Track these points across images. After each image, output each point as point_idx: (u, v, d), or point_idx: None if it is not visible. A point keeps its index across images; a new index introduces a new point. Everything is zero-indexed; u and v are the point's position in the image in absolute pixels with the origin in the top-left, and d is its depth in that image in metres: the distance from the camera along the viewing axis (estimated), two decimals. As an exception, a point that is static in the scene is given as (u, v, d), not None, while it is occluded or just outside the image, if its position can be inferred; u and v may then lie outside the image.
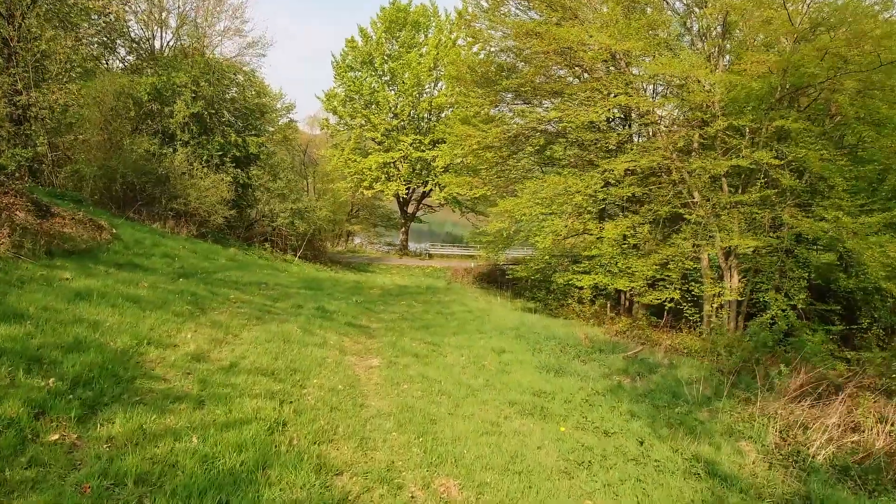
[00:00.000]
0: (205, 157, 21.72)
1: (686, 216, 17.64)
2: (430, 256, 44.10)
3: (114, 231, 13.41)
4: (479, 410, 7.47)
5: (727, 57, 20.72)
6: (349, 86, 40.68)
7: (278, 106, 46.69)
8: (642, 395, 10.24)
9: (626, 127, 21.62)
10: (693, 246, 17.77)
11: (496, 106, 22.65)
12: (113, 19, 20.06)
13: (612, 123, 22.19)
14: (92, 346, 5.76)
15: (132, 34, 26.13)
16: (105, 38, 23.50)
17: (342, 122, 42.30)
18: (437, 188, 40.47)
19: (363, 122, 40.55)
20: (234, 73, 23.75)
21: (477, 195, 23.02)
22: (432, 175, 40.38)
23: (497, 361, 11.30)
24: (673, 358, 14.87)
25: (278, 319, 10.22)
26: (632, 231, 17.91)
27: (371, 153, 40.50)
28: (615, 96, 18.24)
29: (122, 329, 6.63)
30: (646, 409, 9.07)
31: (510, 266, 33.75)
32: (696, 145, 18.97)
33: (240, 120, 23.23)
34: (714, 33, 20.54)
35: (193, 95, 21.94)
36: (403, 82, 39.29)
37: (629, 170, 18.54)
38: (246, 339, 8.10)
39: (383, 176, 39.70)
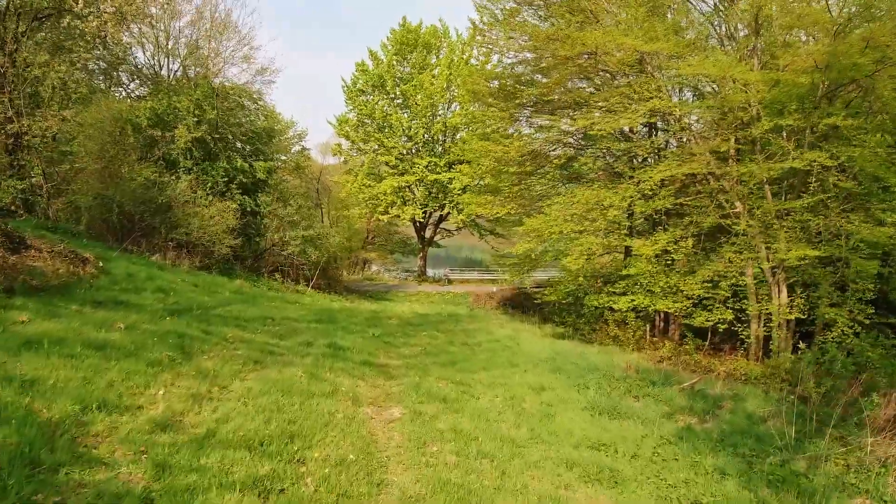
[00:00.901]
0: (209, 185, 20.48)
1: (732, 227, 15.90)
2: (450, 282, 42.49)
3: (100, 264, 12.03)
4: (531, 479, 5.80)
5: (760, 56, 19.17)
6: (361, 110, 39.68)
7: (290, 134, 45.97)
8: (719, 440, 8.48)
9: (654, 135, 20.04)
10: (743, 260, 16.01)
11: (516, 121, 21.21)
12: (111, 42, 19.07)
13: (637, 135, 20.64)
14: (13, 418, 4.24)
15: (136, 62, 25.28)
16: (105, 65, 22.60)
17: (355, 146, 41.25)
18: (455, 211, 39.06)
19: (376, 146, 39.44)
20: (240, 96, 22.64)
21: (499, 214, 21.46)
22: (449, 198, 39.01)
23: (538, 402, 9.63)
24: (733, 387, 13.05)
25: (281, 362, 8.67)
26: (674, 246, 16.17)
27: (385, 178, 39.30)
28: (648, 100, 16.70)
29: (67, 389, 5.11)
30: (733, 463, 7.31)
31: (536, 290, 32.04)
32: (732, 151, 17.30)
33: (246, 145, 22.04)
34: (742, 33, 19.06)
35: (196, 120, 20.82)
36: (416, 104, 38.19)
37: (664, 180, 16.91)
38: (236, 391, 6.55)
39: (399, 200, 38.38)
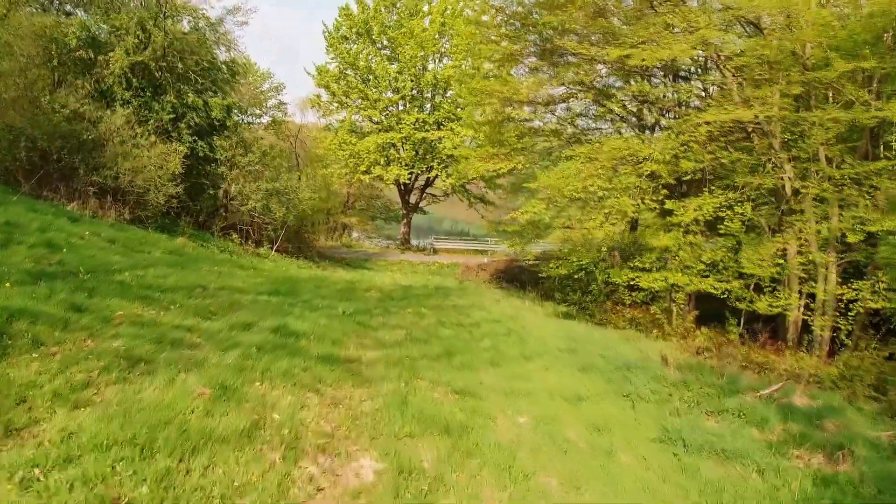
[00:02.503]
0: (152, 122, 16.73)
1: (801, 189, 12.70)
2: (436, 251, 39.10)
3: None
4: None
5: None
6: (343, 58, 35.67)
7: (266, 87, 41.86)
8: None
9: (688, 81, 16.62)
10: (805, 234, 12.87)
11: (526, 59, 17.58)
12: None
13: (667, 80, 17.20)
14: None
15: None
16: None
17: (336, 99, 37.25)
18: (444, 174, 35.58)
19: (359, 99, 35.58)
20: (195, 19, 18.73)
21: (503, 171, 17.95)
22: (437, 159, 35.45)
23: (584, 427, 6.44)
24: (814, 394, 9.98)
25: (182, 361, 5.32)
26: (728, 213, 12.92)
27: (368, 135, 35.60)
28: (695, 31, 13.28)
29: None
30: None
31: (539, 262, 28.80)
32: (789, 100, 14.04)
33: (201, 77, 18.25)
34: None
35: (140, 43, 16.95)
36: (405, 53, 34.30)
37: (710, 132, 13.61)
38: (35, 442, 3.18)
39: (382, 159, 34.69)
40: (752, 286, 13.28)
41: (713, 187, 14.01)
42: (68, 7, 18.76)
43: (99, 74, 16.82)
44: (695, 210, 12.64)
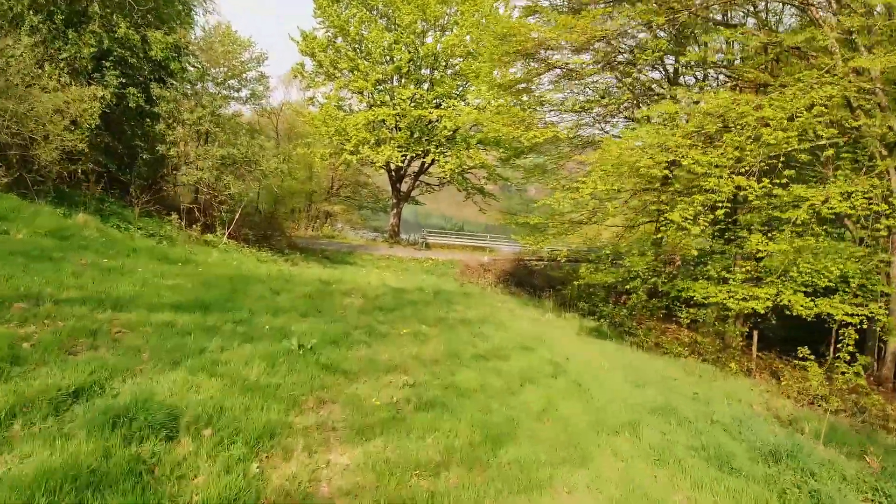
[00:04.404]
0: (62, 59, 12.30)
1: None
2: (428, 246, 34.80)
3: None
4: None
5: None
6: (333, 21, 31.19)
7: (246, 57, 37.06)
8: None
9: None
10: None
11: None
12: None
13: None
14: None
15: None
16: None
17: (322, 70, 32.72)
18: (442, 158, 31.29)
19: (350, 70, 31.12)
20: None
21: (538, 139, 13.51)
22: (435, 142, 31.16)
23: None
24: None
25: None
26: (881, 205, 8.79)
27: (358, 112, 31.29)
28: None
29: None
30: None
31: (548, 263, 24.62)
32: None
33: (140, 4, 13.76)
34: None
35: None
36: (403, 18, 29.91)
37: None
38: None
39: (373, 138, 30.24)
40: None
41: (838, 172, 9.83)
42: None
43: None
44: (841, 198, 8.47)
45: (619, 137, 10.93)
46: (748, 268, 11.17)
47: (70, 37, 12.80)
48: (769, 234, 10.04)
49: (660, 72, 13.22)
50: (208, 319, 6.63)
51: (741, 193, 9.49)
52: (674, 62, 13.54)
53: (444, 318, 11.74)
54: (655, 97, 13.03)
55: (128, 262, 8.80)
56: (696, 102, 9.80)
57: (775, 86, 9.76)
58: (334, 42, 32.17)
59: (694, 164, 9.02)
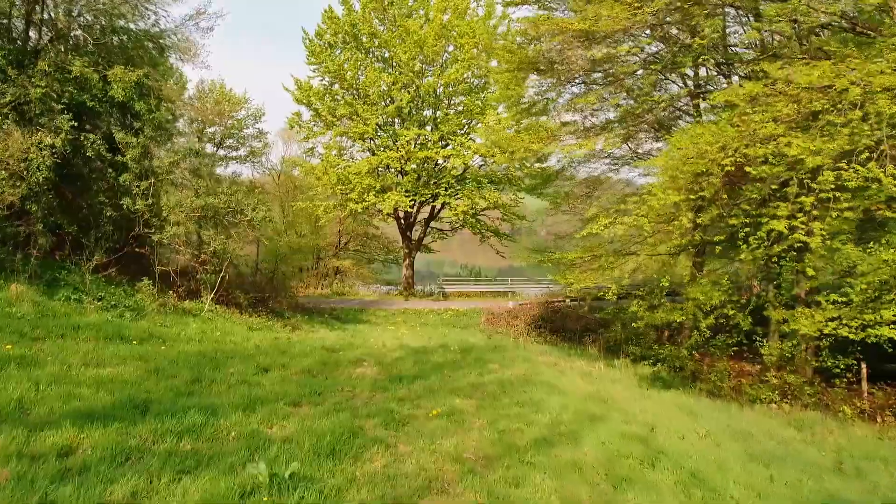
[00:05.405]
0: (5, 102, 10.31)
1: None
2: (446, 296, 32.36)
3: None
4: None
5: None
6: (328, 67, 29.76)
7: (242, 114, 35.63)
8: None
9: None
10: None
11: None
12: None
13: None
14: None
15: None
16: None
17: (320, 118, 31.11)
18: (452, 201, 29.25)
19: (349, 115, 29.44)
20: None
21: (577, 155, 11.09)
22: (444, 185, 29.18)
23: None
24: None
25: None
26: None
27: (361, 160, 29.59)
28: None
29: None
30: None
31: (578, 301, 21.97)
32: None
33: (104, 37, 11.77)
34: None
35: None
36: (400, 57, 28.40)
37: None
38: None
39: (378, 184, 28.24)
40: None
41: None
42: None
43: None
44: None
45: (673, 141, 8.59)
46: (863, 286, 8.65)
47: (12, 76, 10.82)
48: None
49: (714, 59, 11.00)
50: (137, 431, 4.19)
51: (873, 186, 7.09)
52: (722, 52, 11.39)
53: (480, 383, 9.33)
54: (711, 91, 10.82)
55: (54, 345, 6.43)
56: (787, 82, 7.50)
57: (884, 44, 7.49)
58: (331, 89, 30.77)
59: (804, 152, 6.68)
